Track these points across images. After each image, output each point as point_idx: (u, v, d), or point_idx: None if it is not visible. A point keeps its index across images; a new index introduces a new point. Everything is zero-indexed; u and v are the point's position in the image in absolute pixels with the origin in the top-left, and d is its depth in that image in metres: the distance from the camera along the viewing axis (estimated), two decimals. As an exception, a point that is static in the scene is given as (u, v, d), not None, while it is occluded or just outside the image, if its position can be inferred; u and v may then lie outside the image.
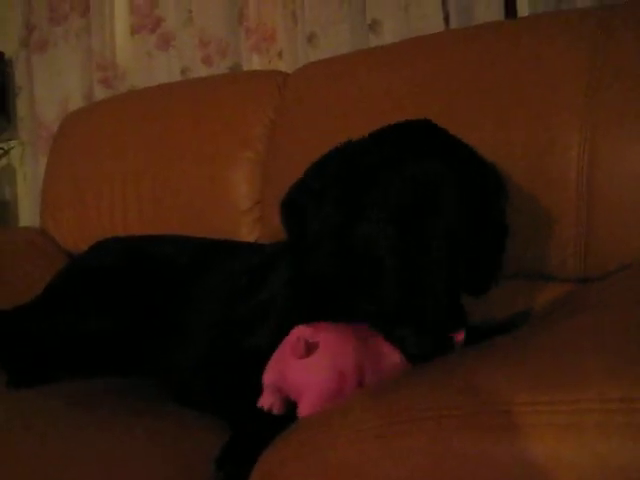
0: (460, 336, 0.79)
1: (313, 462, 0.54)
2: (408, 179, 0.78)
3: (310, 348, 0.73)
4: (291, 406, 0.74)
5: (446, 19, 1.73)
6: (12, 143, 2.70)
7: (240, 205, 1.53)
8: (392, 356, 0.76)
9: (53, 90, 2.45)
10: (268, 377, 0.77)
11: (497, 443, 0.49)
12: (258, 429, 0.67)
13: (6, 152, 2.67)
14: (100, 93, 2.33)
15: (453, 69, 1.26)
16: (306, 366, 0.73)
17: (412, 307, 0.73)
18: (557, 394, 0.50)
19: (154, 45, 2.23)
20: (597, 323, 0.72)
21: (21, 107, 2.63)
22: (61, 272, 1.29)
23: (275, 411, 0.74)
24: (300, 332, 0.75)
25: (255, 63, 2.02)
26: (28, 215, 2.71)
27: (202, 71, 2.09)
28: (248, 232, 1.52)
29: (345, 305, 0.82)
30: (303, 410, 0.71)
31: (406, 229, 0.77)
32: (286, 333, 0.78)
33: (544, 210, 1.07)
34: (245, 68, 2.05)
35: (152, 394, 0.98)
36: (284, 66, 1.94)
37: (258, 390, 0.78)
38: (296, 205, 0.91)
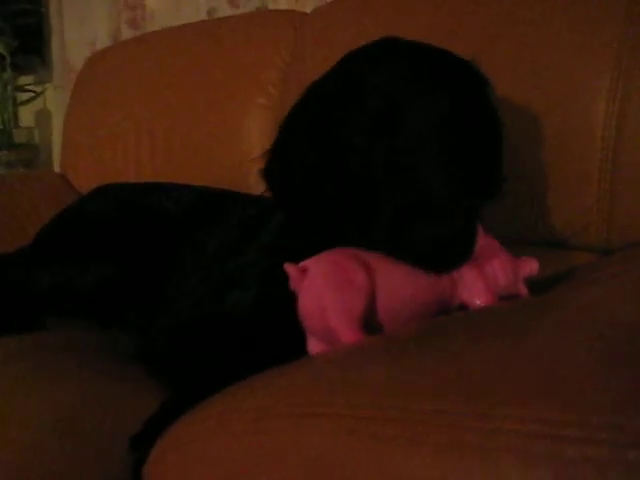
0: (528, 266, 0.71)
1: (198, 451, 0.47)
2: (379, 76, 0.74)
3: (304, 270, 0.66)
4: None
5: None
6: (45, 87, 2.67)
7: (250, 153, 1.45)
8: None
9: (82, 32, 2.39)
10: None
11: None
12: (179, 404, 0.60)
13: (37, 95, 2.64)
14: (128, 35, 2.26)
15: (489, 5, 1.13)
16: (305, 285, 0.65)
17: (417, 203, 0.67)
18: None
19: (182, -15, 2.13)
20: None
21: (54, 49, 2.59)
22: (54, 218, 1.25)
23: None
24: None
25: (282, 4, 1.90)
26: (62, 159, 2.69)
27: (228, 12, 1.99)
28: (257, 181, 1.44)
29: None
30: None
31: (393, 129, 0.71)
32: (273, 284, 0.72)
33: (567, 170, 0.95)
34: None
35: (122, 352, 0.93)
36: (312, 8, 1.82)
37: (224, 353, 0.72)
38: (277, 167, 0.86)
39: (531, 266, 0.72)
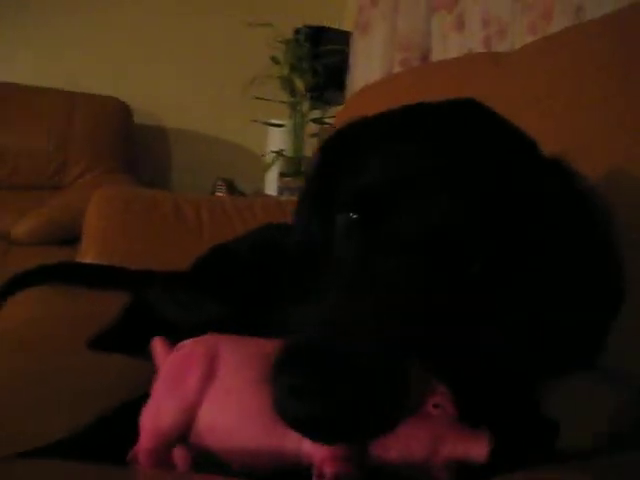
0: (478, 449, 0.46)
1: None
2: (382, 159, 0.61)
3: None
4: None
5: None
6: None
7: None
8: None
9: (365, 70, 2.49)
10: None
11: None
12: None
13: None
14: (398, 76, 2.28)
15: None
16: None
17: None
18: None
19: (451, 26, 2.07)
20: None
21: (348, 87, 2.75)
22: (211, 247, 1.32)
23: None
24: None
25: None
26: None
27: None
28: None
29: None
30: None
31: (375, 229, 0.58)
32: None
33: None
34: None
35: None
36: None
37: None
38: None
39: (470, 448, 0.46)
